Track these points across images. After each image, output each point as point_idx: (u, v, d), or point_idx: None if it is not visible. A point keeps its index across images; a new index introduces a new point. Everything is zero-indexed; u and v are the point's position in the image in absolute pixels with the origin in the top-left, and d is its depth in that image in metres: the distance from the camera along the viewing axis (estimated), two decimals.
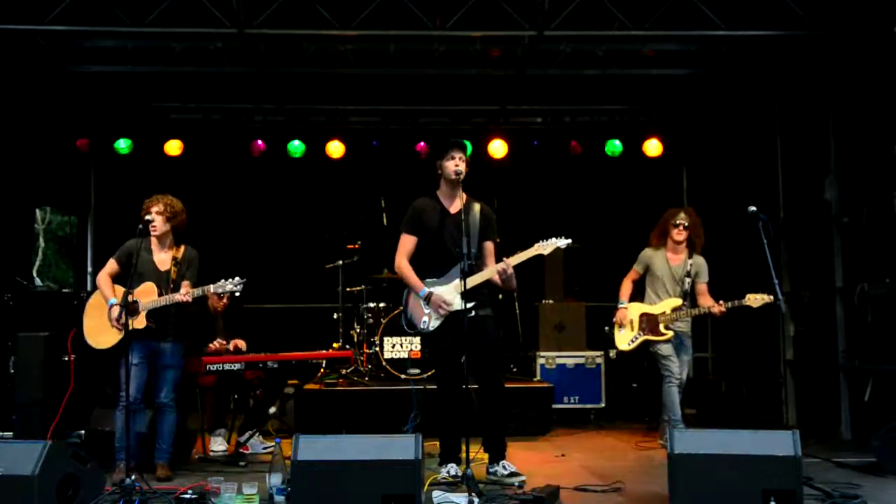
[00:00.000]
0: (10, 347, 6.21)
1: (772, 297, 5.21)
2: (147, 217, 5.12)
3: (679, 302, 6.07)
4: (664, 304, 6.11)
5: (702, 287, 6.13)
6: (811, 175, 7.08)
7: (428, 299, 5.00)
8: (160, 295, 5.08)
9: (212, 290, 5.08)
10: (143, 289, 5.09)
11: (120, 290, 5.15)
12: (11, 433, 5.92)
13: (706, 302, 6.04)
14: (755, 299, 5.64)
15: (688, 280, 6.09)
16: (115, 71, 7.72)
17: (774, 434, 4.15)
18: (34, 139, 7.92)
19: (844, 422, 6.60)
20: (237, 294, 5.11)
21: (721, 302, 5.89)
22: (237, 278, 5.08)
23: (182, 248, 5.31)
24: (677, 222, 6.10)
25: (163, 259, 5.24)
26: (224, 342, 6.24)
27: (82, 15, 6.58)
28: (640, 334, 6.12)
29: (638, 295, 6.30)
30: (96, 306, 5.25)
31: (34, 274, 10.99)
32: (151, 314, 5.05)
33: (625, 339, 6.18)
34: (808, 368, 7.21)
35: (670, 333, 6.05)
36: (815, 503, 4.32)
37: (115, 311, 5.02)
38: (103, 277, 5.23)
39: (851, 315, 6.56)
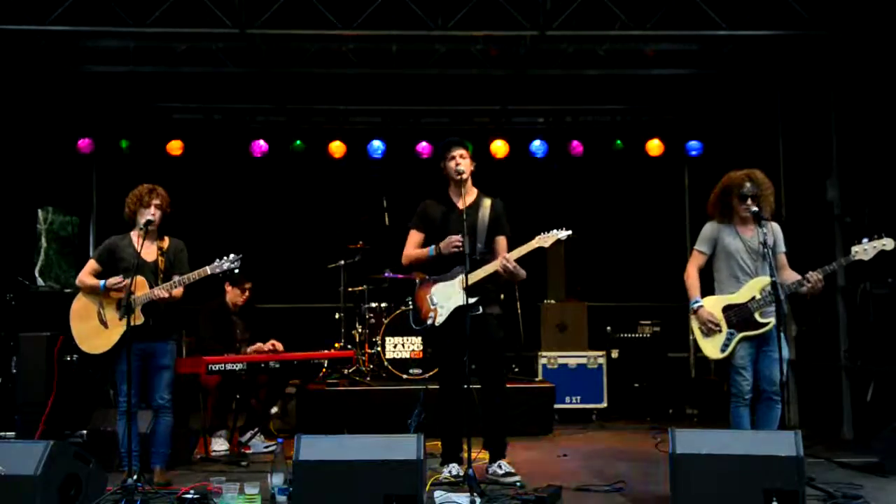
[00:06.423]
0: (12, 347, 6.22)
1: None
2: (150, 212, 4.99)
3: (768, 279, 4.69)
4: (750, 287, 4.80)
5: (781, 259, 4.92)
6: (813, 175, 7.07)
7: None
8: (151, 286, 4.92)
9: (208, 271, 4.95)
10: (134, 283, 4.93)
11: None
12: (13, 433, 5.93)
13: (789, 276, 4.83)
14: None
15: (768, 251, 4.72)
16: (117, 71, 7.74)
17: (776, 434, 4.16)
18: (36, 139, 7.92)
19: (846, 422, 6.59)
20: (236, 271, 5.00)
21: (812, 273, 4.67)
22: (232, 255, 4.97)
23: (167, 239, 5.15)
24: (744, 194, 4.83)
25: (149, 251, 5.07)
26: (262, 345, 6.26)
27: (84, 15, 6.59)
28: (732, 333, 4.79)
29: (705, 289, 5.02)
30: (82, 309, 5.10)
31: (36, 274, 10.98)
32: (146, 311, 4.88)
33: (716, 346, 4.82)
34: (810, 368, 7.19)
35: (771, 321, 4.70)
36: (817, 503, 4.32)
37: (113, 280, 4.92)
38: (86, 275, 5.09)
39: (853, 315, 6.55)
